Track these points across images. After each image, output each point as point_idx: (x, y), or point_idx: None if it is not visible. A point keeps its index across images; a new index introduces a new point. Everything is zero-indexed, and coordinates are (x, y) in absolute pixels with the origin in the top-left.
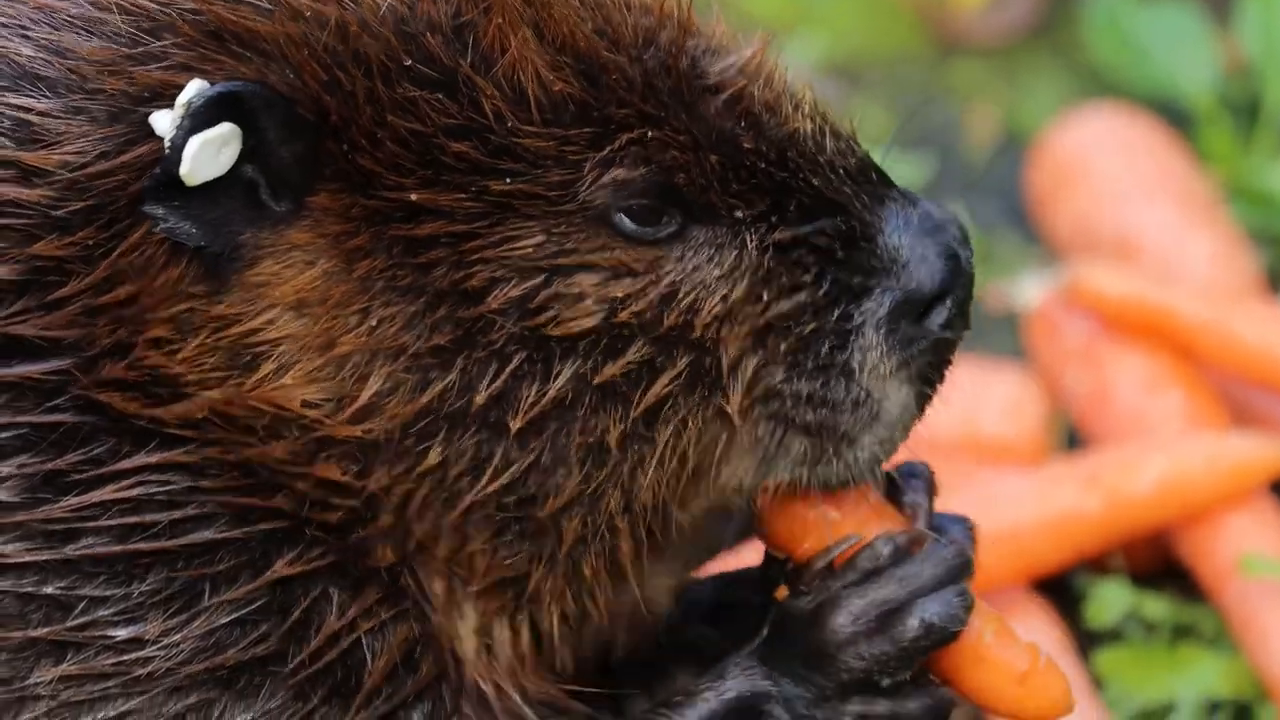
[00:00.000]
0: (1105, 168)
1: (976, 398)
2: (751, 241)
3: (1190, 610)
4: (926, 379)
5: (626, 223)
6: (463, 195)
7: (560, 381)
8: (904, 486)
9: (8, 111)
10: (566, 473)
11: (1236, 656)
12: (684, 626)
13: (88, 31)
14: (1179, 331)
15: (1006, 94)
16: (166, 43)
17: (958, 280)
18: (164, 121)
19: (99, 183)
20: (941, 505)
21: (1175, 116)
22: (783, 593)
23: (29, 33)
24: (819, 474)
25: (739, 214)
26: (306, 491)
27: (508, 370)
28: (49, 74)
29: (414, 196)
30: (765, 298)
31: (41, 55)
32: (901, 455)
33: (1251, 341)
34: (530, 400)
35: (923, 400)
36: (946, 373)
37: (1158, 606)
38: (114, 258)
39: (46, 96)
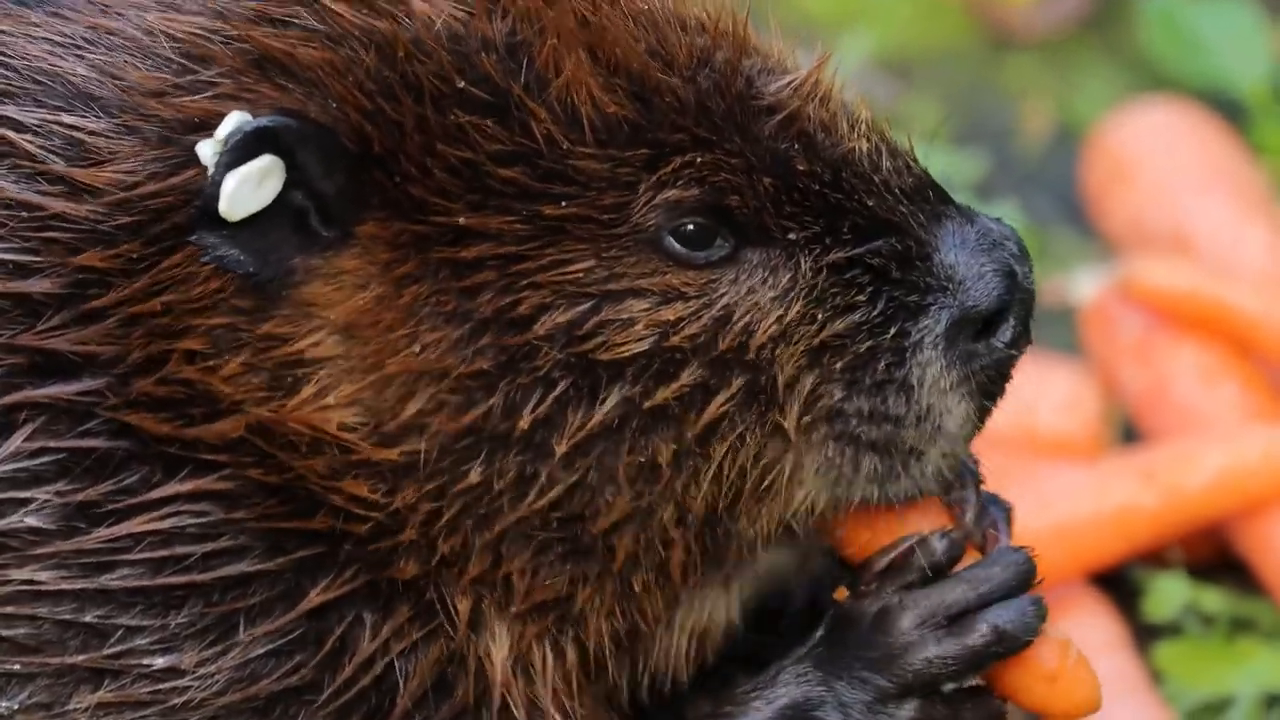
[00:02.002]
0: (1159, 162)
1: (1033, 393)
2: (805, 263)
3: (1248, 603)
4: (987, 393)
5: (677, 246)
6: (512, 219)
7: (608, 406)
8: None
9: (61, 130)
10: (615, 490)
11: None
12: (742, 632)
13: (141, 55)
14: (1234, 324)
15: (1060, 89)
16: (213, 72)
17: (1015, 296)
18: (208, 150)
19: (148, 202)
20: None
21: (1229, 110)
22: (841, 593)
23: (84, 53)
24: (889, 491)
25: (792, 236)
26: (340, 506)
27: (553, 395)
28: (103, 94)
29: (462, 221)
30: (820, 318)
31: (95, 76)
32: None
33: None
34: (576, 425)
35: (983, 413)
36: (1006, 387)
37: (1215, 600)
38: (156, 271)
39: (99, 116)
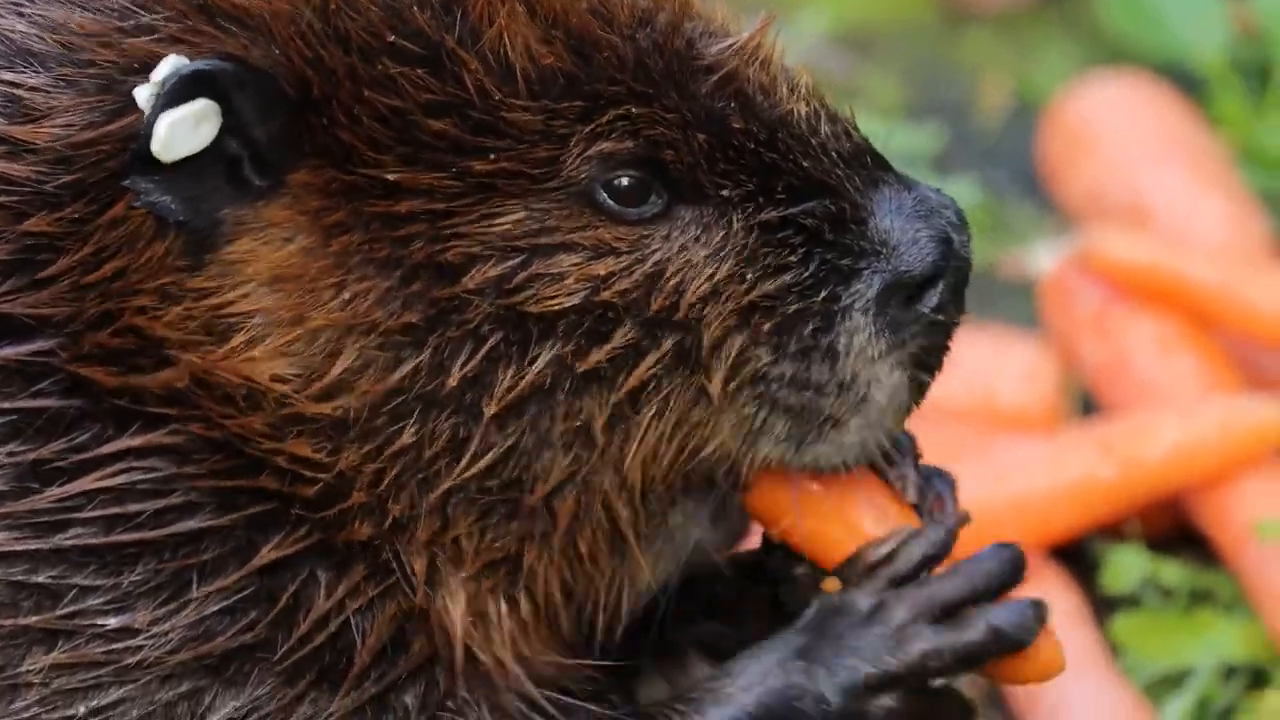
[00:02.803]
0: (1117, 134)
1: (991, 366)
2: (738, 220)
3: (1206, 575)
4: (921, 364)
5: (610, 202)
6: (442, 174)
7: (539, 365)
8: (890, 456)
9: (0, 89)
10: (553, 456)
11: (1253, 621)
12: (692, 619)
13: (82, 6)
14: (1192, 296)
15: (1017, 63)
16: (157, 16)
17: (949, 263)
18: (144, 95)
19: (84, 152)
20: (955, 473)
21: (1186, 82)
22: (831, 585)
23: (23, 9)
24: (805, 455)
25: (726, 193)
26: (285, 467)
27: (482, 351)
28: (41, 49)
29: (391, 176)
30: (749, 277)
31: (35, 31)
32: (915, 423)
33: (1264, 305)
34: (507, 385)
35: (918, 386)
36: (943, 359)
37: (1174, 572)
38: (100, 231)
39: (37, 71)
